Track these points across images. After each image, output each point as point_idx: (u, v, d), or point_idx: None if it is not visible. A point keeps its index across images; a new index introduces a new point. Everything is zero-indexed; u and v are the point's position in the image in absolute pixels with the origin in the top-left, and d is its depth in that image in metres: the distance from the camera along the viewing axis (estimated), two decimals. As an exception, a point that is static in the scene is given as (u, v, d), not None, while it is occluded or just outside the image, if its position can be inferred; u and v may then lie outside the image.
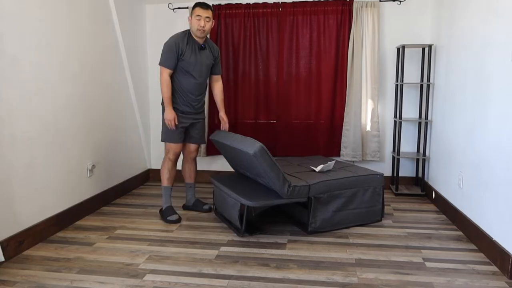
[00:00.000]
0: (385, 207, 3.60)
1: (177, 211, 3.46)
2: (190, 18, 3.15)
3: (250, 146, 2.72)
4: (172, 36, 3.15)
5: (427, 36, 3.99)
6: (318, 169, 3.17)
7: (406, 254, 2.60)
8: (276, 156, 4.28)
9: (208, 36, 4.13)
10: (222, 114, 3.46)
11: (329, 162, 3.27)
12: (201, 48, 3.20)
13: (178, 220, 3.20)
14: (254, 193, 2.89)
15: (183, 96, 3.20)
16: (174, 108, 3.19)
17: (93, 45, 3.41)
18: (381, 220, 3.20)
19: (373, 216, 3.15)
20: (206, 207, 3.45)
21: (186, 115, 3.24)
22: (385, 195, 3.96)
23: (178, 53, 3.10)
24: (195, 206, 3.49)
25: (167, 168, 3.28)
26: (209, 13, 3.12)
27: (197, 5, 3.14)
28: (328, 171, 3.20)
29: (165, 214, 3.23)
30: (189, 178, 3.49)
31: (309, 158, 3.77)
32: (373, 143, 4.11)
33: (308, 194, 2.88)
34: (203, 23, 3.09)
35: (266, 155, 2.71)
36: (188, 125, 3.29)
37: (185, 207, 3.54)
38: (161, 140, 3.30)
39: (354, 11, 3.93)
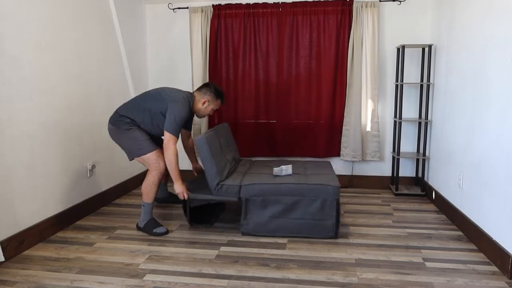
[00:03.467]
0: (385, 207, 3.60)
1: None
2: (207, 101, 3.08)
3: (201, 134, 2.95)
4: (184, 106, 2.91)
5: (427, 36, 3.99)
6: (274, 172, 3.13)
7: (406, 254, 2.60)
8: (276, 156, 4.28)
9: (208, 35, 4.15)
10: (197, 164, 3.53)
11: (282, 166, 3.14)
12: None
13: (167, 232, 2.97)
14: (197, 186, 3.08)
15: (147, 129, 3.01)
16: (136, 127, 2.96)
17: (93, 45, 3.41)
18: (335, 238, 2.87)
19: (323, 231, 2.85)
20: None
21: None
22: (386, 196, 3.97)
23: (186, 119, 2.97)
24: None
25: (155, 183, 2.94)
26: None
27: (221, 97, 3.17)
28: (288, 175, 3.11)
29: (150, 228, 2.96)
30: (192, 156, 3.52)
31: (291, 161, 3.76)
32: (373, 143, 4.11)
33: (239, 194, 2.90)
34: (212, 113, 3.32)
35: (203, 146, 2.88)
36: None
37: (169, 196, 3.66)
38: (136, 156, 2.93)
39: (354, 11, 3.93)
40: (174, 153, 2.86)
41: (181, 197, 2.94)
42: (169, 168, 2.89)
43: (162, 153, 2.95)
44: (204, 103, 3.09)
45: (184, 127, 3.35)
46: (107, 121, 3.65)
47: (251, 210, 2.92)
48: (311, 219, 2.86)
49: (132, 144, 2.93)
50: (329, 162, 3.63)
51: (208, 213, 3.31)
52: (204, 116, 3.19)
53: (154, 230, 2.94)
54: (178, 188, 2.92)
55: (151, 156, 2.92)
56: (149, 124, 2.97)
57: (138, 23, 4.23)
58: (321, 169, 3.38)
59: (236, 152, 3.63)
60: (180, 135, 3.07)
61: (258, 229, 2.92)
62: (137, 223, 3.05)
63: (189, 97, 3.01)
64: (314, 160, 4.05)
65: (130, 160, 3.00)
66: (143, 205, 2.98)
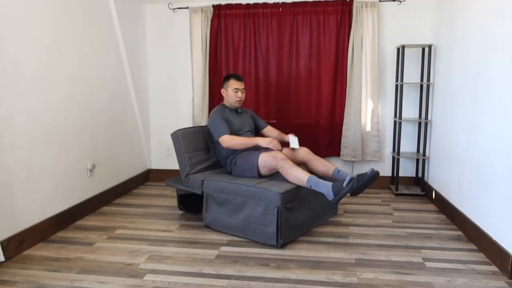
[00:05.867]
0: (385, 207, 3.60)
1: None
2: (224, 90, 3.30)
3: (176, 130, 3.25)
4: (212, 114, 3.25)
5: (427, 36, 3.99)
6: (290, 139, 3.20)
7: (406, 254, 2.60)
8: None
9: (208, 35, 4.15)
10: (284, 136, 3.37)
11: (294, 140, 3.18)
12: (237, 112, 3.35)
13: (354, 178, 2.61)
14: (179, 177, 3.35)
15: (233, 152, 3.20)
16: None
17: (93, 45, 3.41)
18: (277, 247, 2.71)
19: (266, 237, 2.73)
20: (370, 171, 2.82)
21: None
22: (386, 196, 3.97)
23: (225, 119, 3.19)
24: (359, 178, 2.83)
25: (292, 168, 2.78)
26: (243, 85, 3.30)
27: (231, 77, 3.28)
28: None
29: (338, 189, 2.60)
30: (326, 170, 3.05)
31: None
32: (373, 143, 4.11)
33: (202, 188, 3.05)
34: (240, 95, 3.26)
35: (176, 141, 3.21)
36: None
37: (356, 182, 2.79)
38: (257, 169, 2.97)
39: (354, 11, 3.93)
40: (232, 139, 3.08)
41: (273, 147, 2.98)
42: (244, 147, 3.07)
43: (269, 151, 3.02)
44: (223, 92, 3.32)
45: (259, 129, 3.48)
46: (107, 121, 3.65)
47: (209, 205, 3.04)
48: (254, 223, 2.79)
49: (246, 169, 3.05)
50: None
51: (198, 203, 3.32)
52: (237, 102, 3.26)
53: (344, 186, 2.57)
54: (264, 142, 3.03)
55: (262, 158, 2.96)
56: (228, 150, 3.20)
57: (138, 23, 4.23)
58: None
59: None
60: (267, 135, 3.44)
61: (215, 223, 3.02)
62: (329, 201, 2.72)
63: (218, 108, 3.28)
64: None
65: (259, 176, 3.01)
66: (310, 186, 2.71)
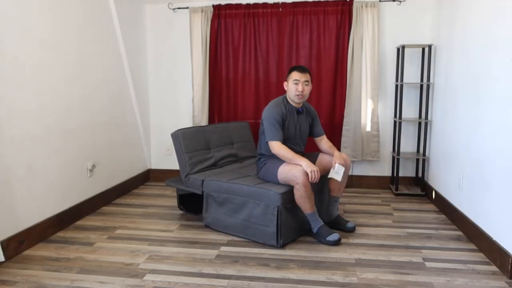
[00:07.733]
0: (385, 207, 3.60)
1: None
2: (286, 83, 2.95)
3: (177, 130, 3.25)
4: (271, 107, 2.91)
5: (427, 36, 3.99)
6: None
7: (406, 254, 2.60)
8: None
9: (208, 35, 4.15)
10: (334, 155, 2.95)
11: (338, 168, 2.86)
12: (299, 112, 2.98)
13: (340, 240, 2.77)
14: (180, 177, 3.34)
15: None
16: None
17: (93, 45, 3.41)
18: (277, 247, 2.72)
19: (266, 237, 2.74)
20: (350, 225, 3.01)
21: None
22: (386, 196, 3.97)
23: (283, 121, 2.88)
24: (337, 222, 3.06)
25: (302, 196, 2.71)
26: (307, 77, 2.89)
27: (293, 68, 2.94)
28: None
29: (322, 235, 2.79)
30: (335, 191, 3.02)
31: None
32: (373, 143, 4.11)
33: (202, 188, 3.05)
34: (301, 88, 2.86)
35: (176, 141, 3.20)
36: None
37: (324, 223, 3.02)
38: (278, 179, 2.81)
39: (354, 11, 3.93)
40: (281, 149, 2.79)
41: (311, 176, 2.66)
42: (286, 160, 2.79)
43: (294, 165, 2.75)
44: (285, 85, 2.97)
45: (313, 134, 3.10)
46: (107, 121, 3.65)
47: (209, 204, 3.04)
48: (254, 223, 2.79)
49: (269, 174, 2.88)
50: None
51: (198, 203, 3.33)
52: (296, 96, 2.87)
53: (327, 239, 2.76)
54: (306, 167, 2.67)
55: (282, 170, 2.78)
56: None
57: (138, 23, 4.23)
58: None
59: (242, 150, 3.67)
60: (317, 144, 3.11)
61: (215, 223, 3.02)
62: (310, 227, 2.86)
63: (277, 103, 2.94)
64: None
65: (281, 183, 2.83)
66: (306, 216, 2.84)
